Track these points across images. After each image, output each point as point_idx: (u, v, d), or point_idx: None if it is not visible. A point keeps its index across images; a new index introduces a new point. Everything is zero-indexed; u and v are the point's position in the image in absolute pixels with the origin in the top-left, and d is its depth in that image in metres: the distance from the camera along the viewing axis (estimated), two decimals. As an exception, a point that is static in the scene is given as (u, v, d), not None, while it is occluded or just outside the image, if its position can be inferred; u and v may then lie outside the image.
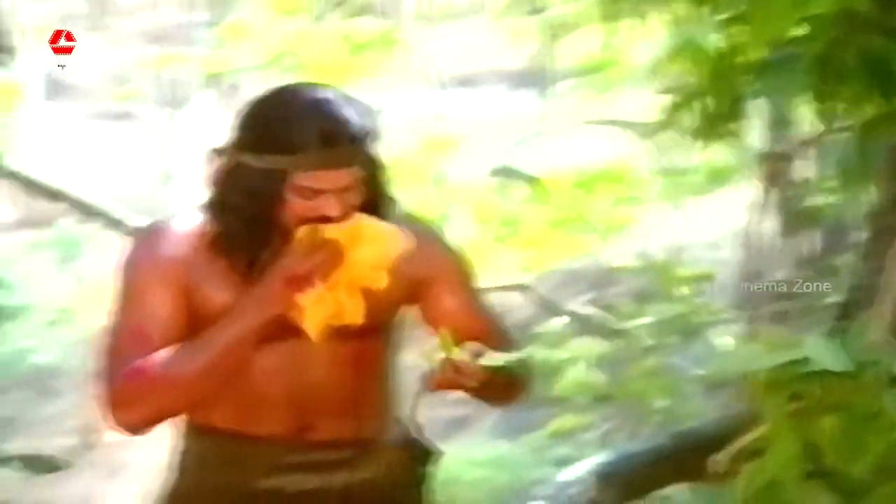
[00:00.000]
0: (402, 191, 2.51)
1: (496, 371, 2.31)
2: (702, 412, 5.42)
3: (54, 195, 6.34)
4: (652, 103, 4.67)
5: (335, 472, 2.44)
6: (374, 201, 2.39)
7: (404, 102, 10.00)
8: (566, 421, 6.12)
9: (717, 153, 5.90)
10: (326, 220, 2.32)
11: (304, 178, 2.30)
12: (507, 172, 7.90)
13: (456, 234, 2.70)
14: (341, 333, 2.36)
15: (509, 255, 7.30)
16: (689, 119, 3.25)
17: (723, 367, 2.87)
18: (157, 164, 9.62)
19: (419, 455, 2.55)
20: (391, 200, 2.43)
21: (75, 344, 7.95)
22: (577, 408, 6.21)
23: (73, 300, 8.50)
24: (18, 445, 7.02)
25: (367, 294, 2.35)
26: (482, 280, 2.59)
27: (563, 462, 5.20)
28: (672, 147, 6.91)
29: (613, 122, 7.13)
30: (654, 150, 7.22)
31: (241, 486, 2.42)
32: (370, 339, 2.42)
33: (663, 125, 3.40)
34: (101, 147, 10.68)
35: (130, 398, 2.30)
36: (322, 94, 2.34)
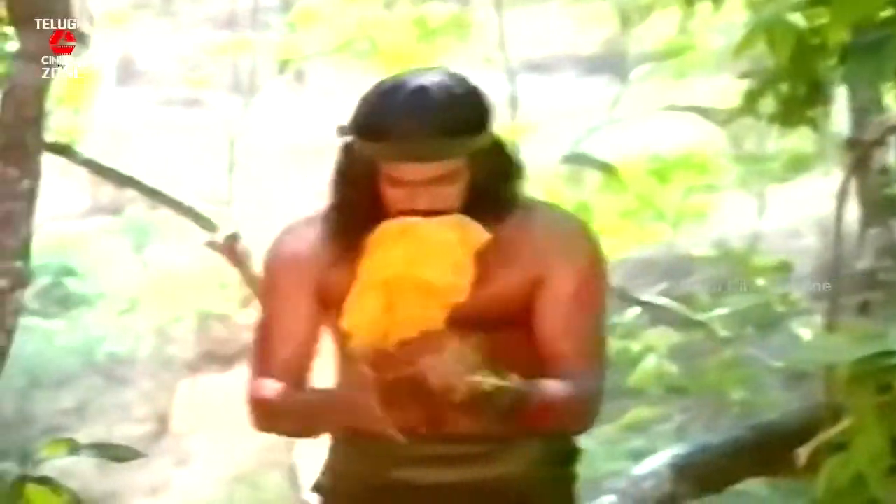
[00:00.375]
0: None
1: (500, 394, 2.24)
2: (780, 404, 5.33)
3: (126, 182, 6.35)
4: (729, 89, 4.58)
5: (469, 466, 2.39)
6: (486, 193, 2.33)
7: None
8: (640, 413, 6.05)
9: (797, 140, 5.79)
10: (416, 212, 2.30)
11: (391, 168, 2.29)
12: (579, 159, 7.82)
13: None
14: (474, 326, 2.32)
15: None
16: (769, 105, 3.17)
17: (804, 359, 2.79)
18: (226, 151, 9.65)
19: (559, 453, 2.49)
20: (505, 193, 2.35)
21: (146, 333, 7.99)
22: (651, 399, 6.13)
23: (143, 289, 8.54)
24: (90, 433, 7.07)
25: (490, 287, 2.30)
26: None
27: (637, 455, 5.14)
28: (750, 134, 6.81)
29: (689, 109, 7.02)
30: (731, 137, 7.11)
31: (376, 476, 2.41)
32: (505, 331, 2.35)
33: (741, 111, 3.32)
34: (172, 133, 10.73)
35: (256, 416, 2.44)
36: (421, 82, 2.29)
